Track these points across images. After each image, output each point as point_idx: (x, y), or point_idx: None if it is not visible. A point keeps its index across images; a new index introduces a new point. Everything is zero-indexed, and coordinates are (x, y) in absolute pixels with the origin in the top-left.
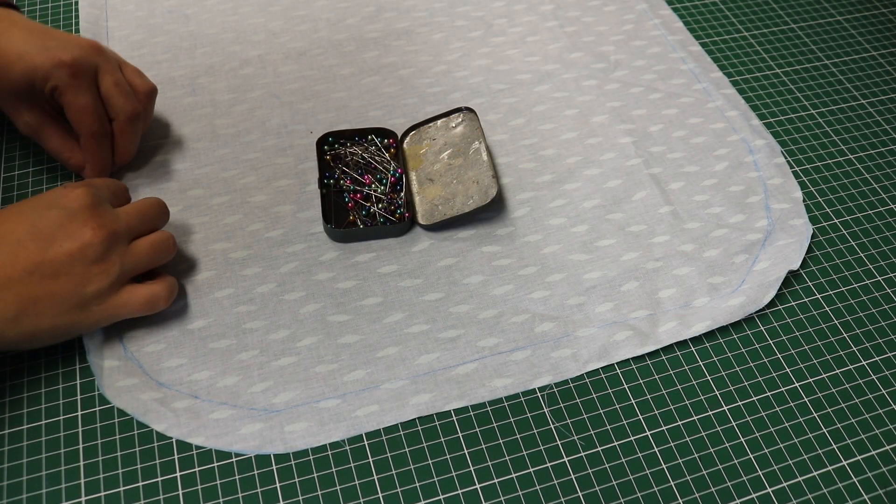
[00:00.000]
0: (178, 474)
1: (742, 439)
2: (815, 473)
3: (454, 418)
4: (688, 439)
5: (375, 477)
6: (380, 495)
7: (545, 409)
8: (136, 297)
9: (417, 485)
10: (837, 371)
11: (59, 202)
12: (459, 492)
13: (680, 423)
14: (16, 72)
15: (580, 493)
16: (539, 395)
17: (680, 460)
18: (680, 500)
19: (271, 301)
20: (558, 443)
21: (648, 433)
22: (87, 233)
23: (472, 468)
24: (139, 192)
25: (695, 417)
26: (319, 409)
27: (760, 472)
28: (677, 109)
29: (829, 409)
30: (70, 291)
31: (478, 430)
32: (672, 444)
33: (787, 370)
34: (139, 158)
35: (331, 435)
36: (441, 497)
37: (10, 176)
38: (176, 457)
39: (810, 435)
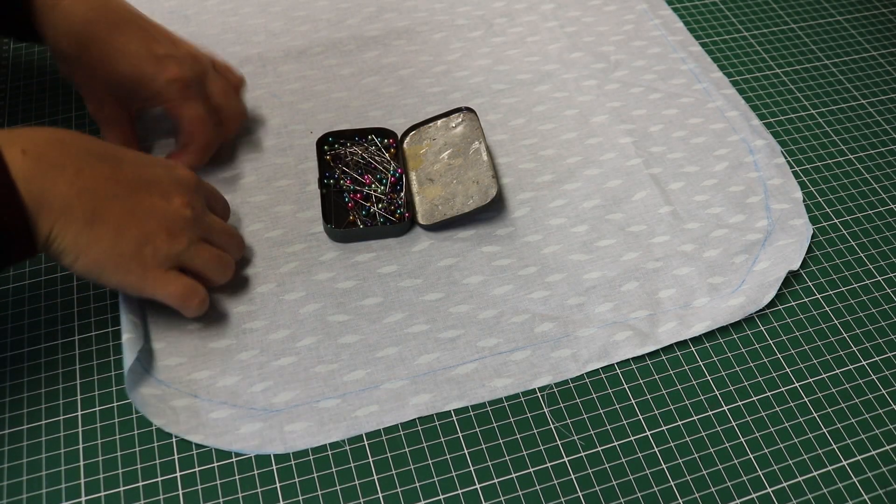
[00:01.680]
0: (178, 474)
1: (742, 439)
2: (815, 473)
3: (454, 418)
4: (688, 439)
5: (375, 477)
6: (380, 495)
7: (545, 409)
8: (174, 286)
9: (417, 485)
10: (837, 371)
11: (170, 169)
12: (459, 492)
13: (680, 423)
14: (121, 70)
15: (580, 493)
16: (539, 395)
17: (680, 460)
18: (680, 500)
19: (271, 301)
20: (558, 443)
21: (648, 433)
22: (178, 201)
23: (472, 468)
24: None
25: (695, 417)
26: (319, 409)
27: (760, 472)
28: (677, 110)
29: (829, 409)
30: (135, 234)
31: (478, 430)
32: (672, 444)
33: (787, 370)
34: None
35: (330, 435)
36: (441, 497)
37: None
38: (176, 457)
39: (810, 435)
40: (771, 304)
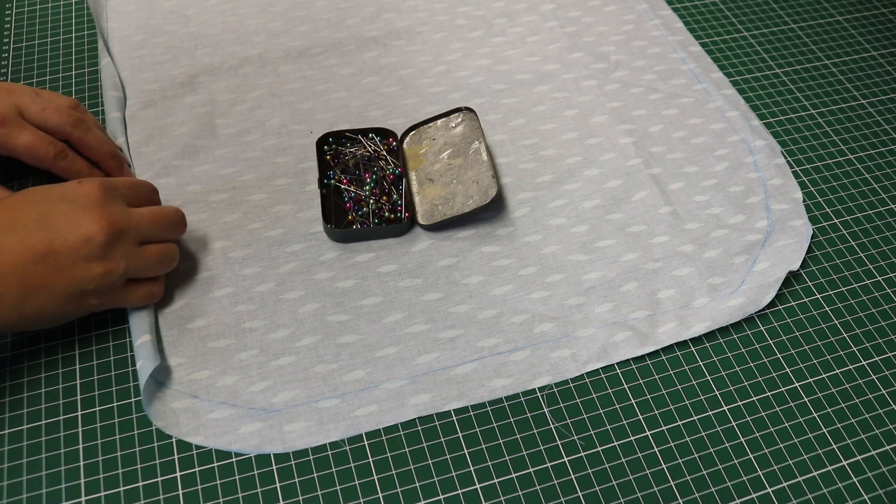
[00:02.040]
0: (178, 474)
1: (742, 439)
2: (815, 473)
3: (454, 418)
4: (688, 439)
5: (375, 477)
6: (380, 495)
7: (545, 409)
8: (136, 294)
9: (417, 485)
10: (837, 371)
11: (70, 195)
12: (459, 492)
13: (680, 423)
14: None
15: (580, 493)
16: (539, 395)
17: (680, 460)
18: (680, 500)
19: (271, 300)
20: (558, 443)
21: (648, 433)
22: (94, 227)
23: (472, 468)
24: None
25: (695, 417)
26: (318, 408)
27: (760, 472)
28: (677, 110)
29: (829, 409)
30: (70, 283)
31: (478, 430)
32: (672, 444)
33: (787, 370)
34: (138, 156)
35: (330, 435)
36: (441, 497)
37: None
38: (176, 457)
39: (810, 435)
40: (771, 304)
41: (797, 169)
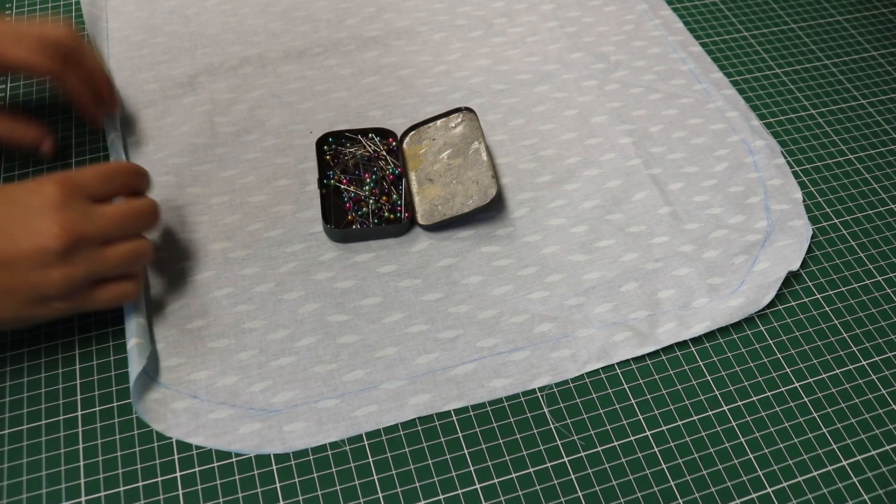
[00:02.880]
0: (178, 474)
1: (742, 439)
2: (815, 473)
3: (454, 418)
4: (688, 439)
5: (375, 477)
6: (380, 495)
7: (545, 410)
8: (103, 296)
9: (417, 485)
10: (837, 371)
11: (26, 196)
12: (459, 492)
13: (680, 423)
14: None
15: (580, 493)
16: (539, 395)
17: (680, 460)
18: (680, 500)
19: (270, 301)
20: (558, 443)
21: (648, 433)
22: (47, 235)
23: (472, 468)
24: None
25: (695, 417)
26: (318, 409)
27: (760, 472)
28: (677, 110)
29: (829, 409)
30: (26, 290)
31: (478, 430)
32: (672, 444)
33: (787, 370)
34: (137, 155)
35: (329, 435)
36: (441, 497)
37: None
38: (176, 457)
39: (810, 435)
40: (771, 304)
41: (797, 169)
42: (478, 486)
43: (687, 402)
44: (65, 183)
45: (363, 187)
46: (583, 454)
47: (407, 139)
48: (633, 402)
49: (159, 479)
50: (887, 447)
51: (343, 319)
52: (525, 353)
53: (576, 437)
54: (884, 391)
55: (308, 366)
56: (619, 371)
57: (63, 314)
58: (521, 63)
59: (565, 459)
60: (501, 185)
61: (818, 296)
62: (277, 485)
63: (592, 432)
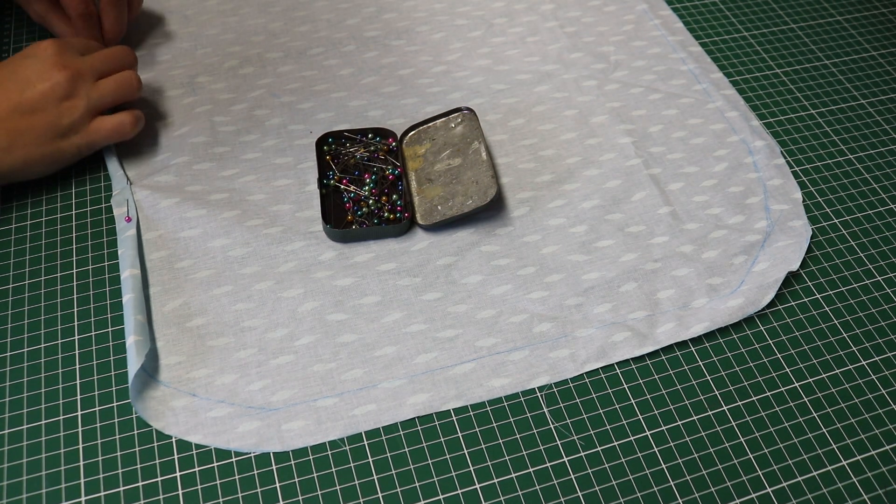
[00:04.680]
0: (177, 474)
1: (742, 439)
2: (815, 473)
3: (454, 418)
4: (687, 439)
5: (375, 477)
6: (379, 495)
7: (545, 409)
8: (105, 124)
9: (417, 485)
10: (837, 371)
11: (33, 52)
12: (459, 492)
13: (680, 423)
14: None
15: (580, 493)
16: (538, 394)
17: (680, 460)
18: (680, 500)
19: (270, 299)
20: (558, 443)
21: (648, 433)
22: (55, 73)
23: (471, 468)
24: (136, 184)
25: (694, 417)
26: (317, 407)
27: (760, 472)
28: (677, 110)
29: (829, 409)
30: (48, 123)
31: (477, 429)
32: (672, 444)
33: (787, 370)
34: (137, 154)
35: (328, 434)
36: (441, 497)
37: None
38: (176, 456)
39: (810, 435)
40: (771, 304)
41: (797, 169)
42: (477, 485)
43: (687, 402)
44: (57, 39)
45: (363, 187)
46: (582, 454)
47: (407, 139)
48: (632, 402)
49: (159, 478)
50: (887, 447)
51: (342, 318)
52: (524, 353)
53: (575, 437)
54: (884, 391)
55: (307, 364)
56: (618, 371)
57: (79, 151)
58: (520, 63)
59: (565, 459)
60: (501, 184)
61: (818, 296)
62: (277, 484)
63: (592, 432)
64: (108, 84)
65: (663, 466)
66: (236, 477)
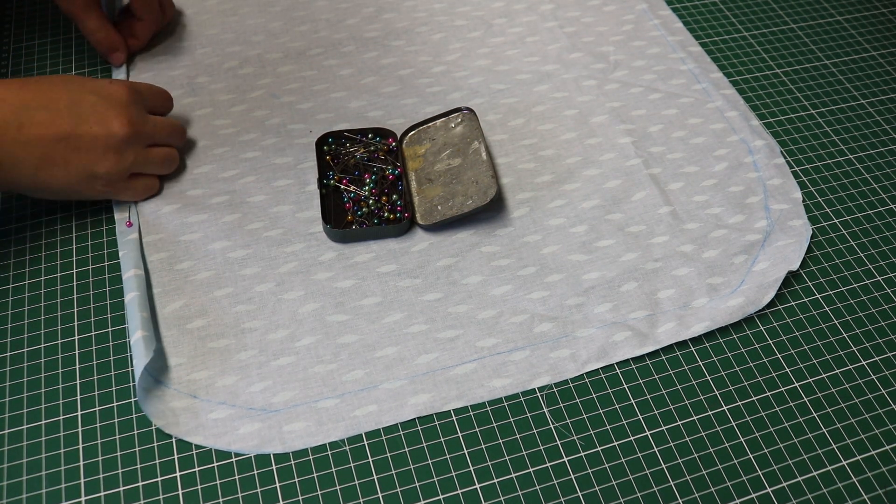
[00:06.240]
0: (177, 474)
1: (742, 439)
2: (814, 473)
3: (454, 418)
4: (687, 439)
5: (375, 477)
6: (379, 495)
7: (545, 409)
8: (137, 186)
9: (417, 485)
10: (837, 371)
11: (102, 90)
12: (459, 492)
13: (680, 423)
14: None
15: (580, 493)
16: (539, 395)
17: (680, 460)
18: (680, 500)
19: (270, 300)
20: (558, 443)
21: (648, 433)
22: (116, 125)
23: (471, 468)
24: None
25: (695, 417)
26: (318, 408)
27: (760, 472)
28: (677, 110)
29: (829, 409)
30: (84, 165)
31: (477, 430)
32: (672, 443)
33: (787, 370)
34: None
35: (329, 435)
36: (441, 497)
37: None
38: (176, 457)
39: (810, 435)
40: (771, 304)
41: (797, 169)
42: (478, 486)
43: (687, 402)
44: (132, 87)
45: (363, 187)
46: (582, 454)
47: (406, 139)
48: (632, 402)
49: (159, 479)
50: (887, 447)
51: (343, 319)
52: (525, 353)
53: (575, 437)
54: (884, 391)
55: (308, 366)
56: (618, 371)
57: (98, 196)
58: (520, 63)
59: (565, 459)
60: (501, 184)
61: (818, 296)
62: (277, 485)
63: (592, 432)
64: (158, 155)
65: (663, 466)
66: (236, 477)
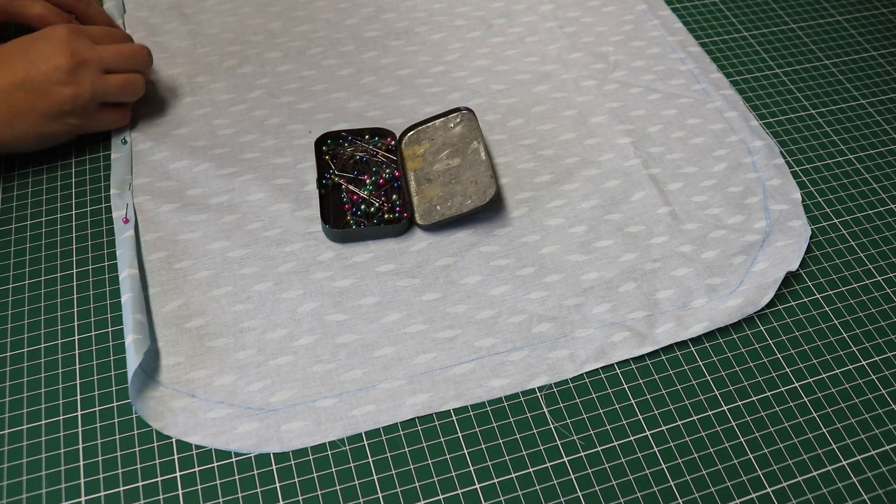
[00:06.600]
0: (177, 474)
1: (742, 439)
2: (814, 473)
3: (454, 418)
4: (687, 439)
5: (375, 477)
6: (379, 495)
7: (544, 409)
8: (107, 117)
9: (417, 485)
10: (837, 371)
11: (45, 34)
12: (459, 492)
13: (679, 423)
14: None
15: (580, 493)
16: (538, 394)
17: (679, 460)
18: (680, 500)
19: (269, 300)
20: (558, 443)
21: (648, 433)
22: (59, 58)
23: (471, 468)
24: (136, 186)
25: (694, 417)
26: (316, 408)
27: (760, 472)
28: (676, 110)
29: (829, 409)
30: (48, 104)
31: (477, 429)
32: (672, 444)
33: (787, 370)
34: (137, 155)
35: (327, 434)
36: (441, 497)
37: None
38: (175, 456)
39: (810, 435)
40: (770, 304)
41: (797, 169)
42: (477, 486)
43: (686, 402)
44: (72, 26)
45: (362, 187)
46: (582, 454)
47: (406, 139)
48: (632, 402)
49: (159, 478)
50: (887, 447)
51: (341, 319)
52: (523, 353)
53: (575, 437)
54: (884, 391)
55: (306, 365)
56: (618, 371)
57: (74, 132)
58: (520, 63)
59: (565, 459)
60: (500, 184)
61: (818, 296)
62: (277, 485)
63: (592, 432)
64: (115, 80)
65: (663, 466)
66: (236, 477)
